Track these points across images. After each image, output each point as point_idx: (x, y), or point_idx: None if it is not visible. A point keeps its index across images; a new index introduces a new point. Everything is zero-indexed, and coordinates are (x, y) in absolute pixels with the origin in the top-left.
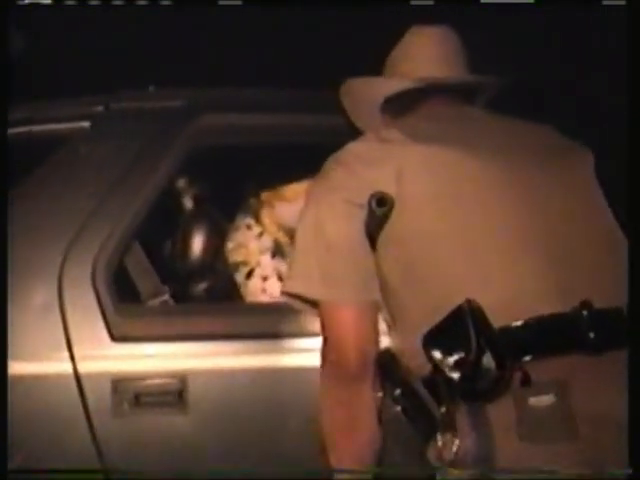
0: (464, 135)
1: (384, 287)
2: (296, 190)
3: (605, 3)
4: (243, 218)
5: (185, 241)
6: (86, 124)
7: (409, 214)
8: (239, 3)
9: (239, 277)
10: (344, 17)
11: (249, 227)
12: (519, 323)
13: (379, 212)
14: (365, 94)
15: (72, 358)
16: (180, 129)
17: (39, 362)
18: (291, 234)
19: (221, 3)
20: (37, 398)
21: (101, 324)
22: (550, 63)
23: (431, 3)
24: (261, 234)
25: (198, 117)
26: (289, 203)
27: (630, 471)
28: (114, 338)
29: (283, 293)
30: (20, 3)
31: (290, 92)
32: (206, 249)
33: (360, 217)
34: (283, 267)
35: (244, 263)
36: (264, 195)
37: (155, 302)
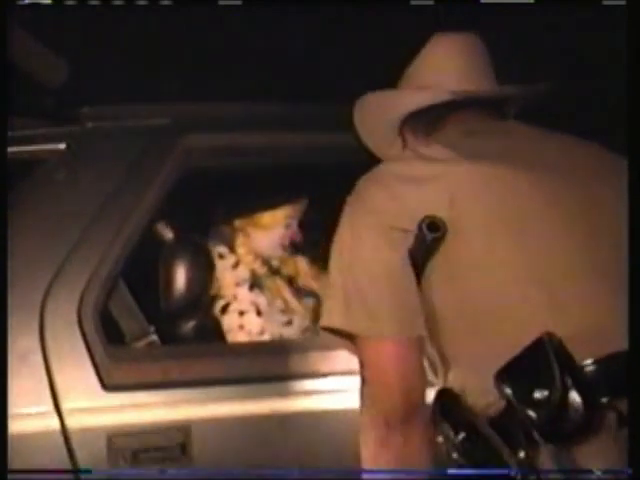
0: (512, 152)
1: (433, 321)
2: (274, 217)
3: (605, 3)
4: (214, 246)
5: (167, 276)
6: (62, 146)
7: (465, 240)
8: (239, 3)
9: (214, 312)
10: (343, 17)
11: (222, 256)
12: (607, 356)
13: (430, 238)
14: (386, 108)
15: (59, 412)
16: (168, 150)
17: (20, 419)
18: (269, 265)
19: (221, 3)
20: (21, 461)
21: (90, 371)
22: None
23: (431, 3)
24: (236, 264)
25: (187, 136)
26: (266, 231)
27: (630, 471)
28: (106, 387)
29: (323, 328)
30: (20, 3)
31: (287, 107)
32: (190, 283)
33: (404, 244)
34: (262, 301)
35: (218, 297)
36: (238, 222)
37: (141, 344)
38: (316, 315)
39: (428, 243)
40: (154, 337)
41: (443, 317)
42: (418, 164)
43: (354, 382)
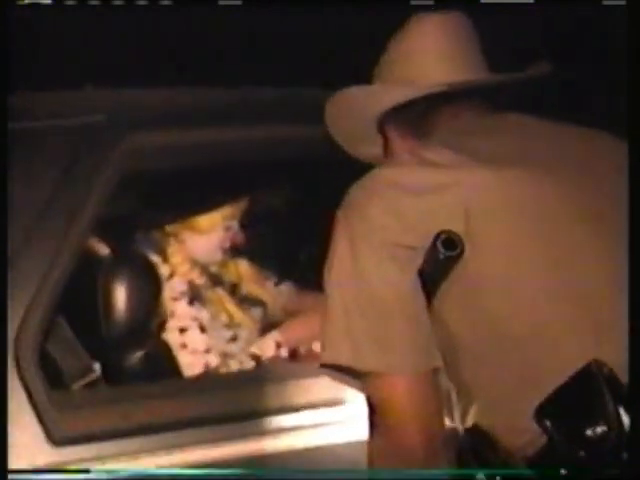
0: (526, 151)
1: (450, 348)
2: (212, 219)
3: (605, 3)
4: None
5: (106, 299)
6: None
7: (485, 256)
8: (239, 3)
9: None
10: (343, 17)
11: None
12: None
13: (446, 256)
14: (363, 106)
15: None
16: (107, 152)
17: None
18: (209, 273)
19: (221, 3)
20: None
21: (34, 424)
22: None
23: (431, 3)
24: (171, 275)
25: (126, 135)
26: (203, 235)
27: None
28: (54, 441)
29: (323, 366)
30: (20, 3)
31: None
32: (133, 305)
33: (412, 263)
34: (204, 315)
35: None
36: (170, 227)
37: (82, 383)
38: (264, 327)
39: (442, 262)
40: (96, 374)
41: (462, 344)
42: (421, 171)
43: (335, 413)
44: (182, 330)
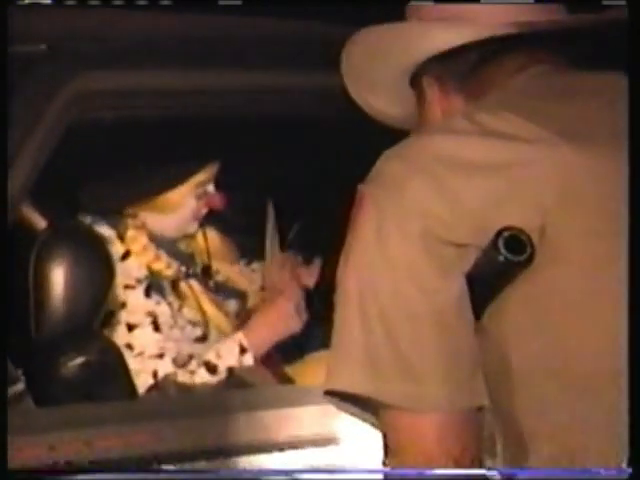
0: (611, 124)
1: (502, 382)
2: (181, 193)
3: (605, 3)
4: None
5: (38, 286)
6: None
7: (562, 266)
8: (239, 3)
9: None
10: (343, 17)
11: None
12: None
13: (509, 261)
14: (396, 48)
15: None
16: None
17: None
18: (177, 253)
19: (221, 3)
20: None
21: None
22: None
23: (431, 3)
24: (125, 256)
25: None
26: (172, 213)
27: (630, 471)
28: None
29: (328, 393)
30: (20, 3)
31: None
32: (73, 294)
33: (460, 266)
34: (163, 310)
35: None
36: (128, 209)
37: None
38: (240, 322)
39: (502, 267)
40: (20, 386)
41: (520, 378)
42: (483, 144)
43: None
44: (130, 327)
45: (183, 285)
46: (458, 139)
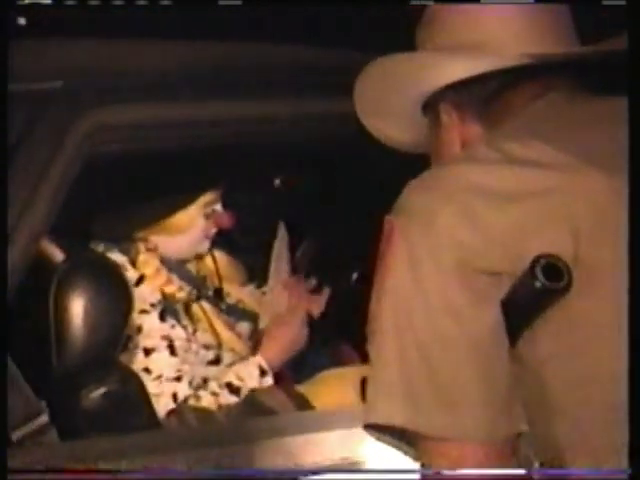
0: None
1: (539, 408)
2: (189, 215)
3: (605, 3)
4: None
5: (59, 318)
6: None
7: (595, 294)
8: (239, 3)
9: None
10: (342, 16)
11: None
12: None
13: (546, 288)
14: (412, 77)
15: None
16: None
17: None
18: (188, 276)
19: (221, 3)
20: None
21: None
22: None
23: (431, 3)
24: (139, 282)
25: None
26: (181, 235)
27: (630, 471)
28: None
29: (368, 427)
30: (20, 3)
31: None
32: (93, 325)
33: (495, 294)
34: (178, 333)
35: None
36: (139, 233)
37: (24, 432)
38: (253, 344)
39: (539, 294)
40: (44, 418)
41: (559, 402)
42: (511, 172)
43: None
44: (147, 351)
45: (195, 307)
46: (485, 168)
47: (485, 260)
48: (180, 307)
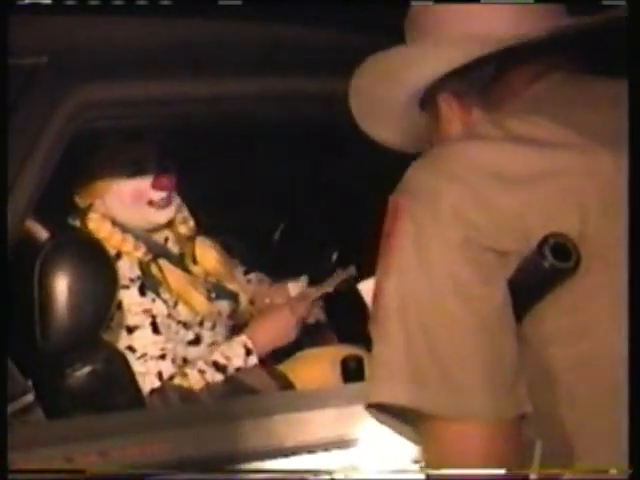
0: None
1: (545, 389)
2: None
3: (605, 3)
4: None
5: (43, 297)
6: None
7: (601, 274)
8: (239, 3)
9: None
10: (342, 16)
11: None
12: None
13: (553, 268)
14: (406, 71)
15: None
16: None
17: None
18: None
19: (221, 3)
20: None
21: None
22: None
23: (431, 3)
24: (117, 257)
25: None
26: (108, 199)
27: (630, 471)
28: None
29: (371, 406)
30: (20, 3)
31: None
32: (78, 304)
33: (502, 273)
34: (160, 308)
35: None
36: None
37: (11, 410)
38: (235, 326)
39: (546, 274)
40: (30, 397)
41: (564, 382)
42: (516, 150)
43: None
44: (130, 329)
45: (153, 266)
46: (489, 146)
47: (492, 239)
48: (157, 277)
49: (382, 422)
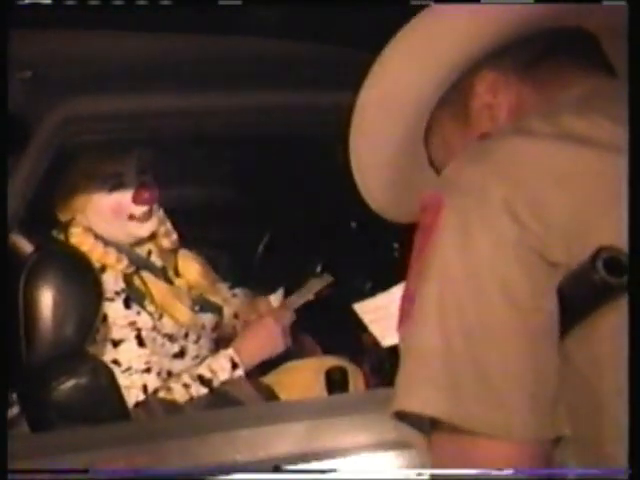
0: None
1: (586, 412)
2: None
3: (605, 3)
4: None
5: (28, 310)
6: None
7: None
8: (239, 3)
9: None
10: (343, 17)
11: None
12: None
13: (605, 283)
14: (442, 41)
15: None
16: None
17: None
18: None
19: (221, 3)
20: None
21: None
22: None
23: (431, 3)
24: (102, 270)
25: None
26: (89, 214)
27: (630, 471)
28: None
29: (398, 414)
30: (20, 3)
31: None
32: (63, 317)
33: (553, 285)
34: (145, 321)
35: None
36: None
37: None
38: (219, 339)
39: (599, 290)
40: (15, 410)
41: (610, 406)
42: (572, 149)
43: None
44: (115, 343)
45: (136, 278)
46: (541, 143)
47: (545, 246)
48: (142, 290)
49: (400, 429)
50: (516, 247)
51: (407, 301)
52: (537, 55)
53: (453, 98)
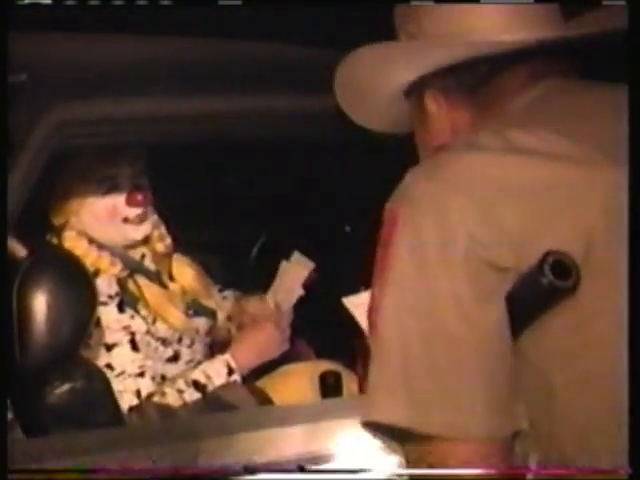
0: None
1: (543, 406)
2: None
3: (605, 3)
4: None
5: (22, 314)
6: None
7: (608, 287)
8: (239, 3)
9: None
10: (343, 17)
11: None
12: None
13: (552, 286)
14: (399, 64)
15: None
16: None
17: None
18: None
19: (221, 3)
20: None
21: None
22: None
23: (431, 3)
24: (95, 274)
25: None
26: (84, 217)
27: (630, 471)
28: None
29: (367, 424)
30: (20, 3)
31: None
32: (57, 322)
33: (501, 290)
34: (139, 325)
35: None
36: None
37: None
38: (213, 343)
39: (547, 292)
40: (9, 414)
41: (566, 400)
42: (519, 162)
43: None
44: (109, 347)
45: (130, 282)
46: (490, 157)
47: (494, 254)
48: (136, 294)
49: (376, 437)
50: (466, 260)
51: (373, 312)
52: (479, 79)
53: (414, 103)
